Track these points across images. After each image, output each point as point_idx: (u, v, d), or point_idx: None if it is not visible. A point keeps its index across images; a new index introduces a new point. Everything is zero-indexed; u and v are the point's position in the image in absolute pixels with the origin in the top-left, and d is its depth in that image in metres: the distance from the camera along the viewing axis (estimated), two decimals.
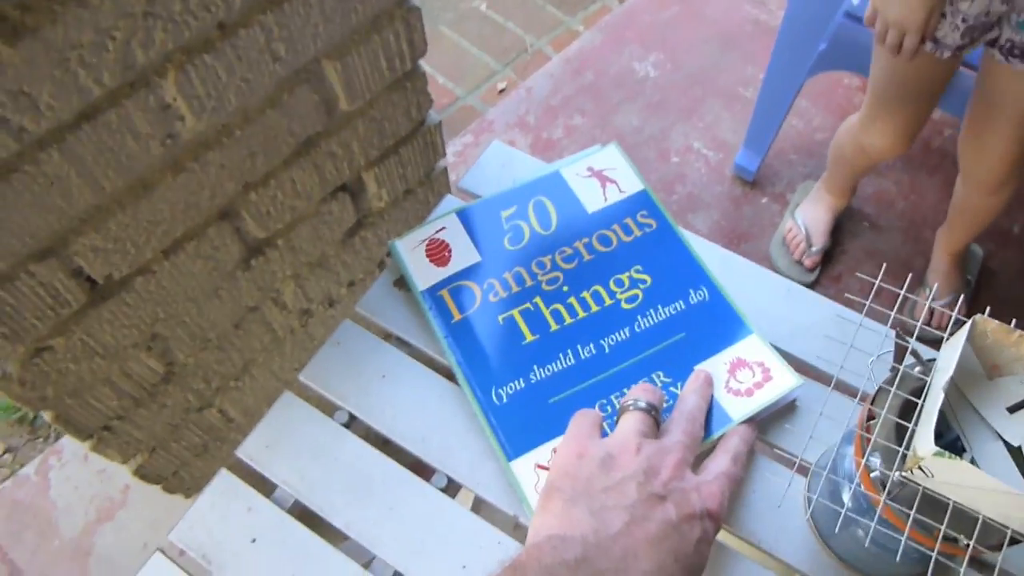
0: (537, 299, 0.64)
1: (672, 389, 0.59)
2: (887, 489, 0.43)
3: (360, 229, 0.92)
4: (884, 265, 0.48)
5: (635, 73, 1.97)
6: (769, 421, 0.60)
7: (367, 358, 0.63)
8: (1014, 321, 0.44)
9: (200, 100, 0.61)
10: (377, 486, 0.58)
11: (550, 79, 1.96)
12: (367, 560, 0.56)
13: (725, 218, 1.73)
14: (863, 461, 0.44)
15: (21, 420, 1.53)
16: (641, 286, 0.64)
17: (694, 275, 0.65)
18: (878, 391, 0.47)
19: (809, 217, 1.63)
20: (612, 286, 0.64)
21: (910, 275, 0.50)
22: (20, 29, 0.48)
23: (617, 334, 0.62)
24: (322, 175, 0.79)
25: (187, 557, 0.57)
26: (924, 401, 0.43)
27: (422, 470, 0.59)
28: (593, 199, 0.69)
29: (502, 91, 1.99)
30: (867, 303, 0.46)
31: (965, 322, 0.44)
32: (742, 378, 0.60)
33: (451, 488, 0.59)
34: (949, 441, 0.44)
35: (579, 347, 0.61)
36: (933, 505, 0.42)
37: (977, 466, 0.38)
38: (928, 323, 1.45)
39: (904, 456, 0.43)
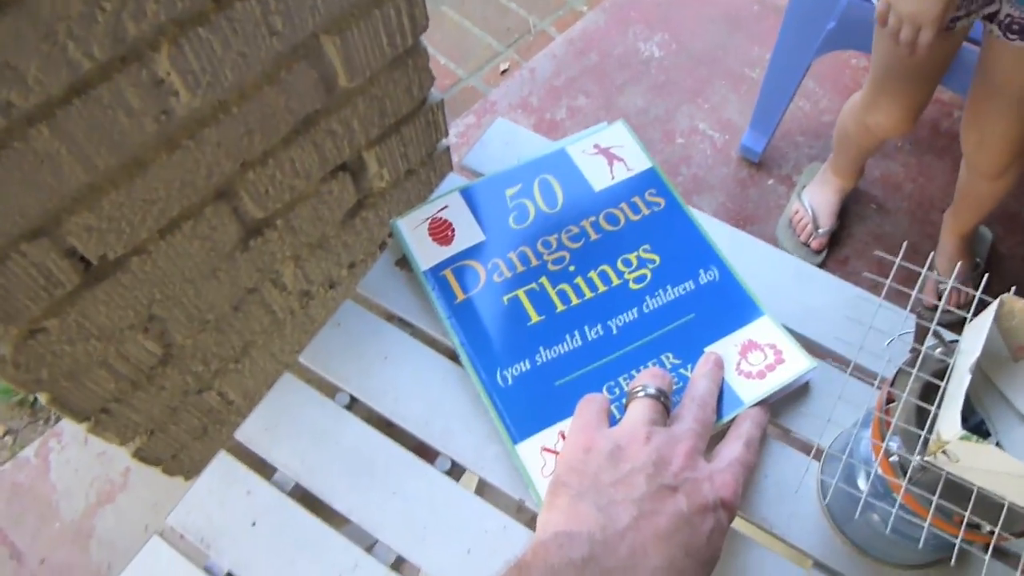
0: (543, 279, 0.62)
1: (682, 371, 0.58)
2: (908, 474, 0.42)
3: (361, 210, 0.90)
4: (905, 243, 0.46)
5: (640, 54, 1.95)
6: (782, 405, 0.59)
7: (368, 339, 0.62)
8: None
9: (195, 75, 0.59)
10: (379, 469, 0.57)
11: (553, 60, 1.93)
12: (369, 544, 0.55)
13: (731, 200, 1.71)
14: (883, 445, 0.43)
15: (21, 403, 1.53)
16: (649, 266, 0.63)
17: (704, 255, 0.63)
18: (898, 373, 0.45)
19: (816, 199, 1.61)
20: (620, 266, 0.63)
21: (932, 254, 0.48)
22: (4, 1, 0.46)
23: (625, 315, 0.60)
24: (322, 154, 0.77)
25: (186, 541, 0.56)
26: (947, 383, 0.42)
27: (425, 453, 0.58)
28: (600, 177, 0.67)
29: (504, 72, 1.97)
30: (887, 282, 0.45)
31: (990, 302, 0.42)
32: (753, 360, 0.58)
33: (455, 471, 0.58)
34: (974, 425, 0.43)
35: (586, 328, 0.60)
36: (955, 491, 0.41)
37: (1003, 450, 0.37)
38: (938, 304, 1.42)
39: (926, 440, 0.41)
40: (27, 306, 0.62)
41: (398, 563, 0.56)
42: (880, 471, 0.44)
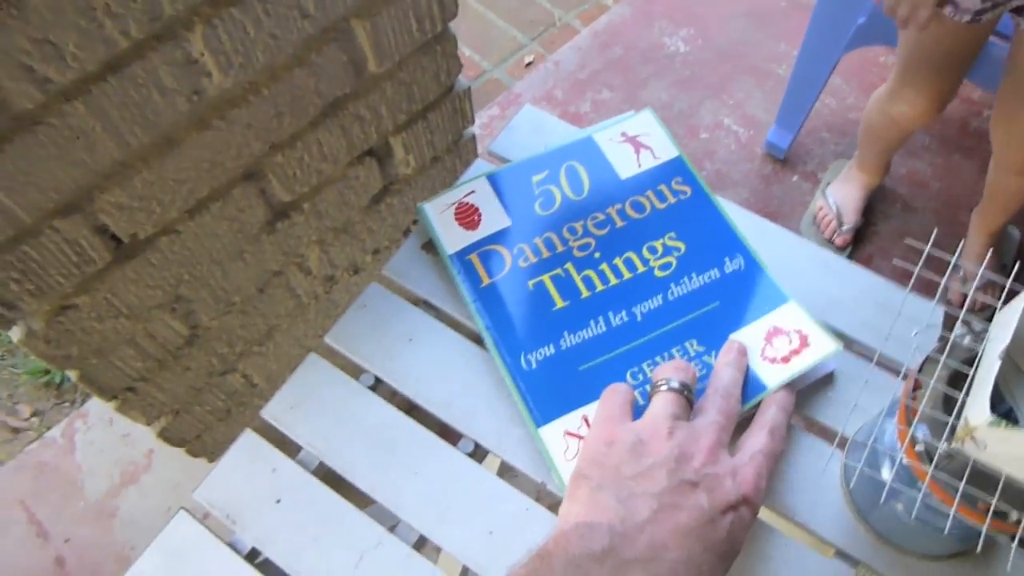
0: (568, 265, 0.62)
1: (706, 359, 0.58)
2: (934, 461, 0.41)
3: (386, 195, 0.91)
4: (935, 231, 0.46)
5: (665, 48, 1.94)
6: (807, 394, 0.58)
7: (393, 321, 0.62)
8: None
9: (227, 56, 0.60)
10: (402, 450, 0.57)
11: (578, 53, 1.93)
12: (392, 524, 0.56)
13: (754, 196, 1.70)
14: (909, 432, 0.43)
15: (48, 384, 1.55)
16: (675, 253, 0.63)
17: (729, 243, 0.63)
18: (926, 360, 0.45)
19: (841, 196, 1.60)
20: (645, 253, 0.63)
21: (962, 242, 0.48)
22: None
23: (649, 302, 0.60)
24: (349, 138, 0.78)
25: (212, 517, 0.57)
26: (976, 370, 0.41)
27: (448, 435, 0.58)
28: (626, 165, 0.67)
29: (529, 64, 1.97)
30: (917, 269, 0.44)
31: (1021, 290, 0.42)
32: (778, 345, 0.58)
33: (478, 453, 0.58)
34: (1002, 413, 0.43)
35: (610, 314, 0.60)
36: (982, 479, 0.41)
37: None
38: (961, 305, 1.41)
39: (953, 428, 0.41)
40: (59, 282, 0.63)
41: (420, 543, 0.56)
42: (906, 459, 0.44)
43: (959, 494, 0.41)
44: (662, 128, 0.69)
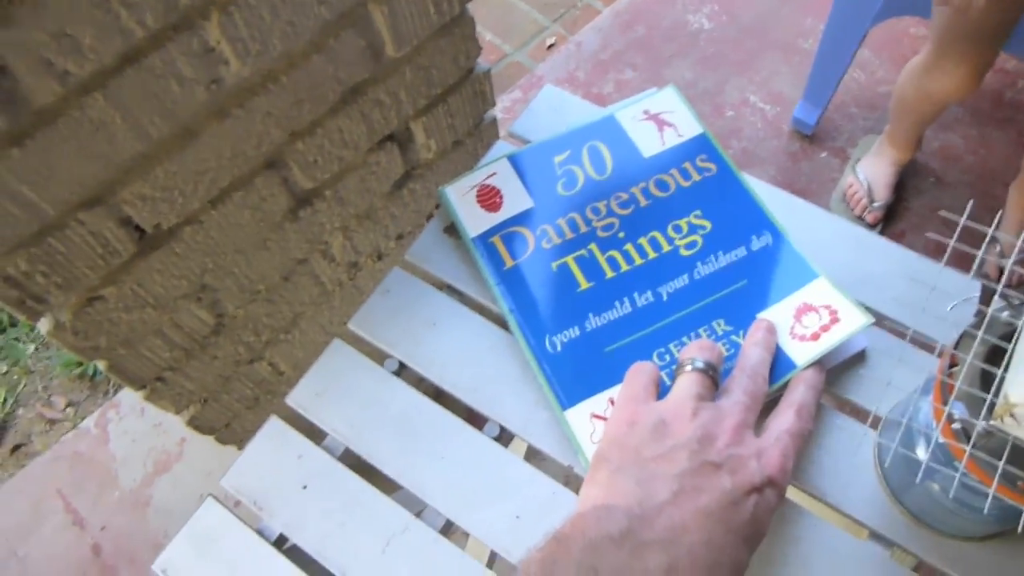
0: (592, 246, 0.61)
1: (734, 338, 0.57)
2: (972, 440, 0.40)
3: (408, 181, 0.90)
4: (971, 202, 0.44)
5: (688, 25, 1.91)
6: (837, 373, 0.57)
7: (417, 306, 0.62)
8: None
9: (244, 44, 0.60)
10: (428, 435, 0.57)
11: (599, 33, 1.91)
12: (419, 509, 0.56)
13: (782, 173, 1.68)
14: (946, 410, 0.42)
15: (82, 375, 1.57)
16: (700, 232, 0.61)
17: (757, 220, 0.62)
18: (962, 336, 0.44)
19: (871, 171, 1.57)
20: (670, 232, 0.62)
21: (999, 215, 0.46)
22: None
23: (675, 281, 0.59)
24: (369, 124, 0.77)
25: (240, 503, 0.57)
26: (1015, 345, 0.40)
27: (474, 419, 0.58)
28: (650, 143, 0.66)
29: (551, 47, 1.95)
30: (951, 242, 0.43)
31: None
32: (808, 323, 0.56)
33: (503, 437, 0.58)
34: None
35: (636, 295, 0.59)
36: (1022, 457, 0.39)
37: None
38: (998, 279, 1.38)
39: (992, 405, 0.40)
40: (85, 274, 0.63)
41: (447, 528, 0.56)
42: (942, 437, 0.43)
43: (998, 473, 0.40)
44: (685, 105, 0.68)
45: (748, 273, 0.59)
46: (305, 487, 0.57)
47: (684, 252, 0.61)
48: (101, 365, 0.73)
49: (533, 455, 0.58)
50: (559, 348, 0.57)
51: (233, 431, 1.00)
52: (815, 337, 0.55)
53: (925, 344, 0.55)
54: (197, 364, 0.83)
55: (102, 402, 1.54)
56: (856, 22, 1.48)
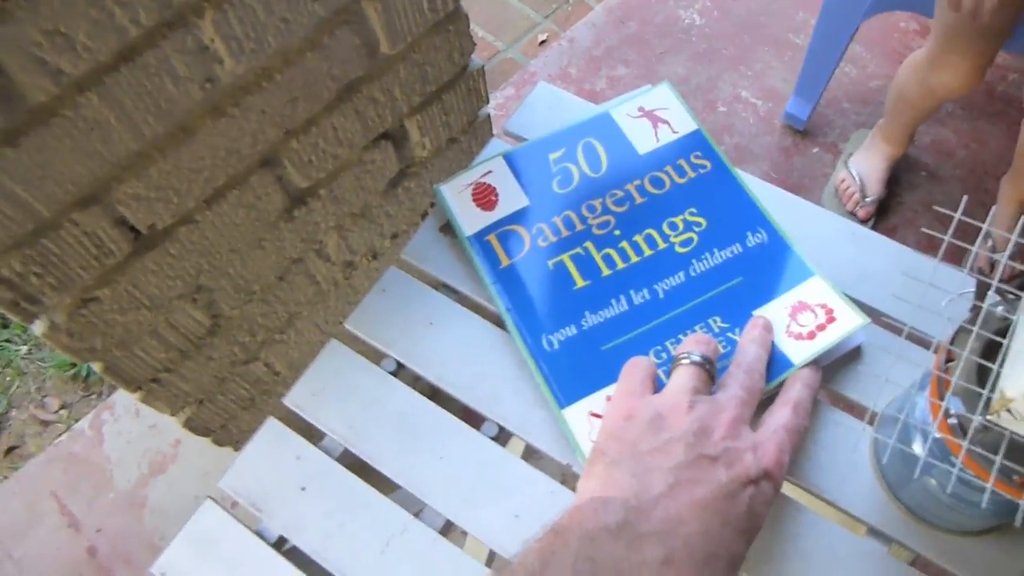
0: (588, 243, 0.61)
1: (730, 335, 0.57)
2: (968, 435, 0.41)
3: (403, 179, 0.90)
4: (965, 198, 0.44)
5: (680, 21, 1.91)
6: (834, 368, 0.57)
7: (414, 305, 0.62)
8: None
9: (239, 41, 0.59)
10: (426, 434, 0.57)
11: (592, 29, 1.91)
12: (417, 509, 0.56)
13: (775, 169, 1.68)
14: (942, 405, 0.42)
15: (75, 376, 1.57)
16: (696, 229, 0.62)
17: (752, 217, 0.62)
18: (958, 331, 0.44)
19: (863, 166, 1.57)
20: (666, 229, 0.62)
21: (993, 208, 0.46)
22: None
23: (671, 279, 0.60)
24: (364, 122, 0.77)
25: (238, 505, 0.57)
26: (1010, 340, 0.40)
27: (471, 418, 0.58)
28: (645, 140, 0.66)
29: (543, 43, 1.95)
30: (947, 238, 0.43)
31: None
32: (804, 321, 0.57)
33: (501, 436, 0.58)
34: None
35: (632, 292, 0.59)
36: (1019, 451, 0.40)
37: None
38: (988, 274, 1.38)
39: (988, 400, 0.40)
40: (79, 275, 0.63)
41: (446, 527, 0.56)
42: (938, 433, 0.43)
43: (995, 468, 0.40)
44: (680, 102, 0.68)
45: (744, 270, 0.60)
46: (304, 488, 0.56)
47: (680, 249, 0.61)
48: (96, 367, 0.73)
49: (531, 454, 0.58)
50: (556, 346, 0.57)
51: (229, 432, 0.99)
52: (811, 336, 0.56)
53: (921, 340, 0.56)
54: (192, 365, 0.83)
55: (96, 403, 1.53)
56: (847, 17, 1.49)
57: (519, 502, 0.55)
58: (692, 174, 0.64)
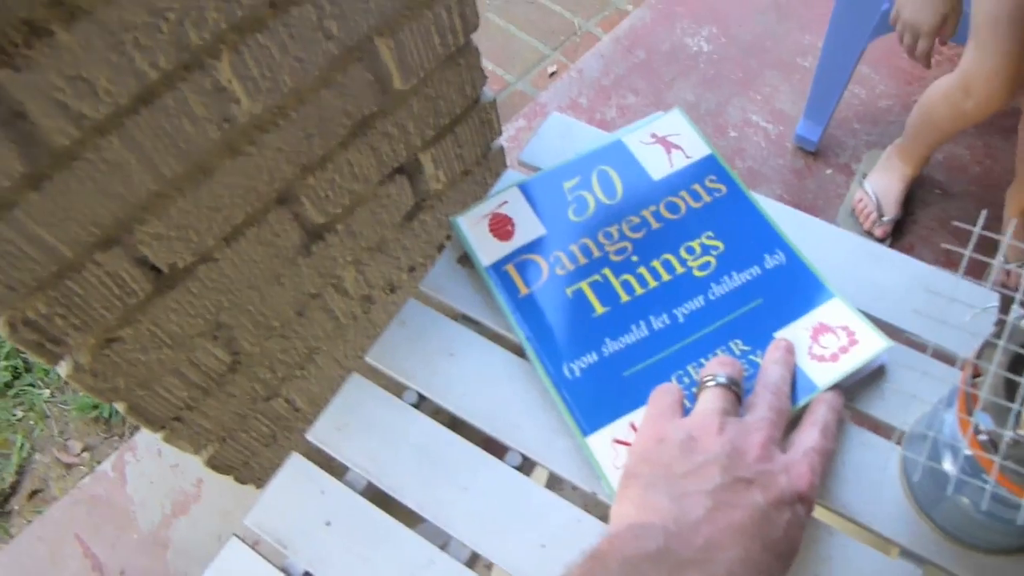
0: (606, 270, 0.61)
1: (752, 358, 0.57)
2: (1000, 451, 0.40)
3: (419, 212, 0.91)
4: (984, 212, 0.44)
5: (688, 48, 1.93)
6: (858, 388, 0.57)
7: (434, 336, 0.62)
8: None
9: (255, 81, 0.60)
10: (450, 466, 0.57)
11: (601, 59, 1.93)
12: (443, 541, 0.55)
13: (788, 191, 1.68)
14: (972, 421, 0.41)
15: (97, 419, 1.57)
16: (713, 252, 0.62)
17: (769, 239, 0.62)
18: (984, 345, 0.44)
19: (880, 186, 1.57)
20: (683, 254, 0.62)
21: (1012, 223, 0.46)
22: (76, 12, 0.47)
23: (691, 303, 0.59)
24: (379, 156, 0.78)
25: (264, 542, 0.57)
26: None
27: (494, 448, 0.57)
28: (658, 166, 0.67)
29: (552, 75, 1.97)
30: (967, 253, 0.43)
31: None
32: (826, 343, 0.56)
33: (525, 466, 0.58)
34: None
35: (652, 318, 0.59)
36: None
37: None
38: (1005, 285, 1.36)
39: (1019, 414, 0.39)
40: (102, 315, 0.63)
41: (472, 559, 0.55)
42: (969, 449, 0.42)
43: None
44: (692, 127, 0.69)
45: (763, 292, 0.59)
46: (328, 523, 0.56)
47: (698, 273, 0.61)
48: (120, 407, 0.73)
49: (555, 483, 0.58)
50: (577, 374, 0.57)
51: (251, 469, 0.99)
52: (834, 358, 0.55)
53: (944, 356, 0.55)
54: (214, 403, 0.83)
55: (118, 445, 1.54)
56: (854, 38, 1.49)
57: (545, 532, 0.54)
58: (707, 198, 0.64)
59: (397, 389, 0.61)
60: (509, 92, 1.94)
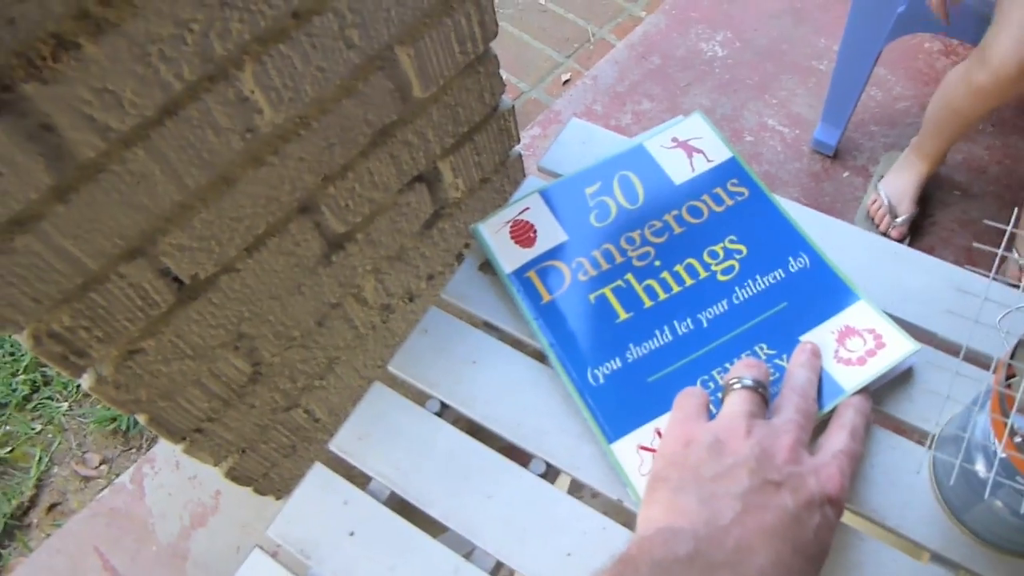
0: (629, 276, 0.61)
1: (777, 362, 0.56)
2: None
3: (438, 220, 0.91)
4: (1016, 209, 0.44)
5: (702, 53, 1.93)
6: (886, 390, 0.56)
7: (456, 344, 0.62)
8: None
9: (277, 91, 0.61)
10: (474, 474, 0.57)
11: (615, 66, 1.93)
12: (468, 550, 0.55)
13: (805, 195, 1.67)
14: (1008, 424, 0.41)
15: (115, 431, 1.58)
16: (737, 256, 0.61)
17: (792, 242, 0.62)
18: (1018, 345, 0.43)
19: (894, 186, 1.56)
20: (706, 258, 0.61)
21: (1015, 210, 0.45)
22: (103, 25, 0.47)
23: (715, 307, 0.59)
24: (399, 165, 0.78)
25: (283, 554, 0.57)
26: None
27: (518, 456, 0.57)
28: (680, 170, 0.66)
29: (567, 82, 1.97)
30: (999, 252, 0.42)
31: None
32: (852, 347, 0.56)
33: (550, 474, 0.57)
34: None
35: (675, 323, 0.59)
36: None
37: None
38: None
39: None
40: (126, 327, 0.64)
41: (497, 569, 0.55)
42: (1005, 451, 0.42)
43: None
44: (713, 130, 0.68)
45: (788, 296, 0.59)
46: (352, 533, 0.56)
47: (721, 277, 0.60)
48: (141, 419, 0.73)
49: (579, 490, 0.57)
50: (601, 380, 0.57)
51: (271, 480, 0.99)
52: (861, 362, 0.55)
53: (973, 357, 0.54)
54: (235, 414, 0.84)
55: (136, 457, 1.54)
56: (870, 41, 1.49)
57: (571, 540, 0.54)
58: (730, 202, 0.64)
59: (420, 398, 0.61)
60: (523, 100, 1.94)
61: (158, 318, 0.67)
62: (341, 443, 0.59)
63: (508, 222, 0.65)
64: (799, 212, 0.64)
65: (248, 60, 0.57)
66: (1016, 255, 1.35)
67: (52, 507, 1.51)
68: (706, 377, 0.56)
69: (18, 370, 1.65)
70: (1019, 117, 1.72)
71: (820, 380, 0.54)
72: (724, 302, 0.59)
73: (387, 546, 0.56)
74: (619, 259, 0.62)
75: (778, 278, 0.60)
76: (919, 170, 1.54)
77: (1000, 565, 0.50)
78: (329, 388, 0.96)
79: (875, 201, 1.58)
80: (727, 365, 0.56)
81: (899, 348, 0.55)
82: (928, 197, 1.61)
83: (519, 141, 0.94)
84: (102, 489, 1.43)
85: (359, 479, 0.58)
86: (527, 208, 0.65)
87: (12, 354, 1.67)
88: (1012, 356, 0.43)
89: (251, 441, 0.91)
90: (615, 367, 0.57)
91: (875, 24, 1.45)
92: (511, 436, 0.58)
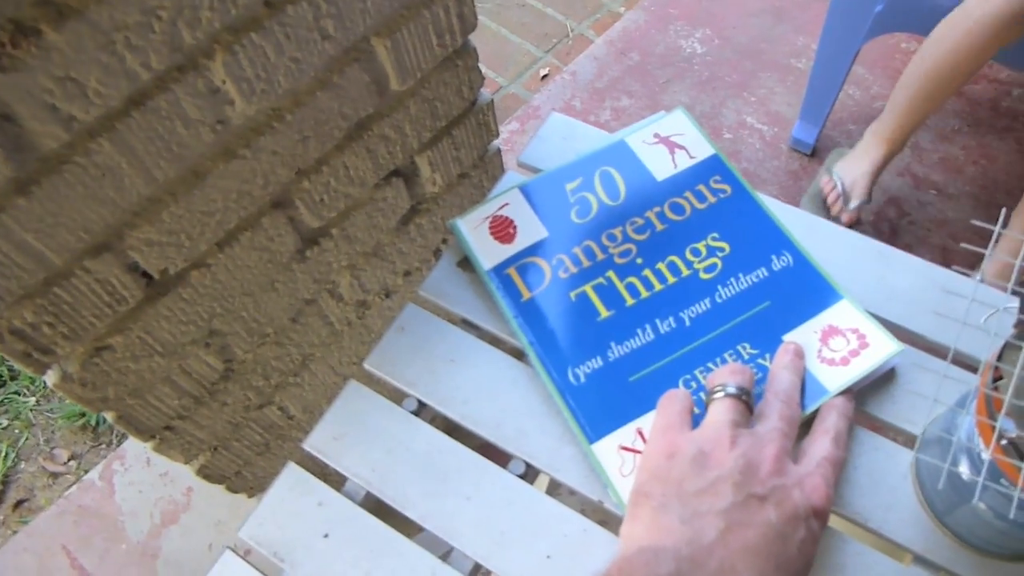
0: (610, 273, 0.60)
1: (760, 361, 0.55)
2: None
3: (415, 216, 0.90)
4: (1004, 209, 0.43)
5: (682, 50, 1.92)
6: (869, 392, 0.56)
7: (433, 342, 0.60)
8: None
9: (249, 82, 0.59)
10: (452, 475, 0.55)
11: (594, 62, 1.92)
12: (444, 552, 0.54)
13: (783, 193, 1.67)
14: (996, 427, 0.40)
15: (84, 427, 1.55)
16: (719, 254, 0.60)
17: (776, 240, 0.61)
18: (1004, 347, 0.42)
19: (850, 171, 1.52)
20: (689, 256, 0.60)
21: (1003, 210, 0.45)
22: (64, 11, 0.46)
23: (697, 306, 0.58)
24: (375, 159, 0.76)
25: (256, 555, 0.55)
26: None
27: (498, 456, 0.56)
28: (662, 166, 0.65)
29: (545, 77, 1.96)
30: (988, 252, 0.42)
31: None
32: (836, 346, 0.55)
33: (529, 474, 0.56)
34: None
35: (658, 321, 0.58)
36: None
37: None
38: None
39: None
40: (92, 323, 0.62)
41: (475, 571, 0.54)
42: (989, 454, 0.41)
43: None
44: (695, 127, 0.67)
45: (771, 294, 0.58)
46: (327, 535, 0.55)
47: (704, 276, 0.59)
48: (109, 416, 0.71)
49: (558, 490, 0.56)
50: (582, 380, 0.56)
51: (244, 479, 0.97)
52: (844, 362, 0.54)
53: (957, 359, 0.54)
54: (206, 412, 0.82)
55: (105, 453, 1.51)
56: (848, 40, 1.49)
57: (550, 542, 0.53)
58: (712, 199, 0.63)
59: (396, 396, 0.59)
60: (501, 95, 1.93)
61: (126, 314, 0.65)
62: (316, 443, 0.58)
63: (487, 218, 0.63)
64: (782, 210, 0.64)
65: (219, 50, 0.55)
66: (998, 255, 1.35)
67: (19, 504, 1.48)
68: (688, 377, 0.55)
69: None
70: (995, 117, 1.74)
71: (803, 381, 0.54)
72: (707, 300, 0.58)
73: (363, 548, 0.54)
74: (600, 256, 0.61)
75: (761, 277, 0.59)
76: (877, 155, 1.49)
77: (982, 567, 0.50)
78: (304, 385, 0.95)
79: (827, 183, 1.55)
80: (710, 364, 0.56)
81: (883, 348, 0.55)
82: (905, 198, 1.61)
83: (498, 136, 0.92)
84: (70, 486, 1.40)
85: (334, 479, 0.57)
86: (506, 204, 0.64)
87: None
88: (999, 358, 0.42)
89: (223, 439, 0.89)
90: (596, 366, 0.56)
91: (853, 23, 1.45)
92: (490, 436, 0.56)
